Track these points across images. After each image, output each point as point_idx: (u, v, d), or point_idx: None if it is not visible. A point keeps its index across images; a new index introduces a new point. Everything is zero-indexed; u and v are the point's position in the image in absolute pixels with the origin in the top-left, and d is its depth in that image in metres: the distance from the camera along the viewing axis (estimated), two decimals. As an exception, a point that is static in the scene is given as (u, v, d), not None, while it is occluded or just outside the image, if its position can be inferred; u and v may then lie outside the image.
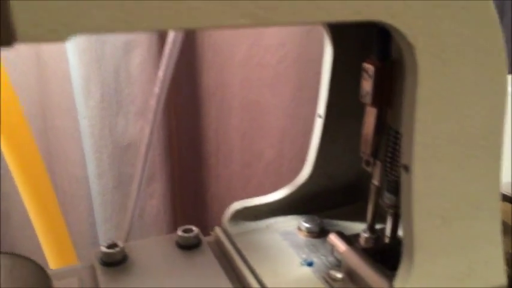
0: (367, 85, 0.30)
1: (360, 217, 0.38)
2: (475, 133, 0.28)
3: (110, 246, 0.34)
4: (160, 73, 0.41)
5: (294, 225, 0.38)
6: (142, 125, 0.86)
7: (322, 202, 0.39)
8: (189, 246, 0.36)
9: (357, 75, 0.31)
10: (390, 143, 0.31)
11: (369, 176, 0.34)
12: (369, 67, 0.30)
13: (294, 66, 0.89)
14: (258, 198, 0.38)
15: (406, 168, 0.27)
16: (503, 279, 0.30)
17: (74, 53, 0.76)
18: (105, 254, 0.34)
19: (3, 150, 0.55)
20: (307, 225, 0.37)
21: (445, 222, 0.28)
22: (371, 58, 0.30)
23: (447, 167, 0.28)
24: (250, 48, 0.87)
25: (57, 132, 0.84)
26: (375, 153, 0.32)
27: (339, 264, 0.33)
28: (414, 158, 0.27)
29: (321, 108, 0.36)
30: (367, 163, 0.32)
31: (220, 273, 0.33)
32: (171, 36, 0.36)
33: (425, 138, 0.27)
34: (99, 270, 0.33)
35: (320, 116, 0.36)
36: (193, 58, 0.88)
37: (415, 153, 0.27)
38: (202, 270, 0.34)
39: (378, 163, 0.32)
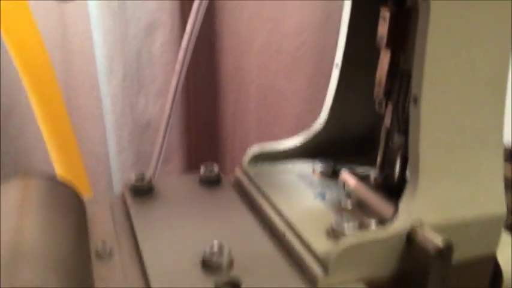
0: (382, 29, 0.33)
1: (371, 166, 0.41)
2: (482, 70, 0.31)
3: (138, 177, 0.38)
4: (189, 27, 0.44)
5: (308, 168, 0.41)
6: (162, 105, 0.90)
7: (336, 151, 0.42)
8: (210, 182, 0.39)
9: (374, 26, 0.35)
10: (402, 86, 0.34)
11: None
12: (385, 12, 0.33)
13: (311, 54, 0.91)
14: (275, 143, 0.42)
15: (415, 100, 0.30)
16: (503, 209, 0.32)
17: (98, 33, 0.80)
18: (134, 183, 0.37)
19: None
20: (321, 166, 0.40)
21: (450, 151, 0.31)
22: (387, 4, 0.33)
23: (453, 100, 0.31)
24: (268, 35, 0.89)
25: (79, 110, 0.88)
26: (387, 96, 0.35)
27: (349, 198, 0.36)
28: (423, 89, 0.30)
29: (338, 57, 0.39)
30: (380, 105, 0.36)
31: (239, 204, 0.37)
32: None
33: (434, 72, 0.30)
34: (129, 198, 0.37)
35: (337, 66, 0.39)
36: (213, 43, 0.91)
37: (424, 85, 0.30)
38: (222, 202, 0.37)
39: (390, 105, 0.35)
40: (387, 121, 0.36)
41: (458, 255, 0.31)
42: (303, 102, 0.96)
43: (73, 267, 0.28)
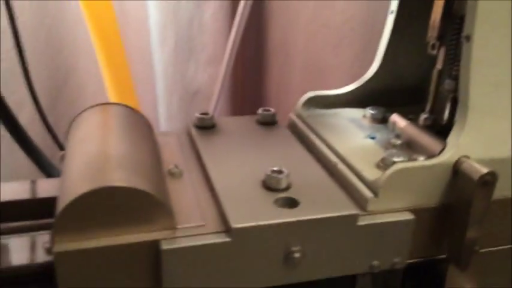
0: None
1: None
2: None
3: (202, 114, 0.42)
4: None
5: (359, 114, 0.44)
6: (210, 73, 0.93)
7: (387, 100, 0.45)
8: (267, 123, 0.43)
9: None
10: (455, 29, 0.37)
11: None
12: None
13: (358, 29, 0.92)
14: (329, 90, 0.45)
15: (468, 38, 0.33)
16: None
17: (152, 1, 0.84)
18: (199, 119, 0.42)
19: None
20: (372, 112, 0.43)
21: (497, 89, 0.34)
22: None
23: (503, 40, 0.33)
24: (316, 9, 0.91)
25: (133, 76, 0.92)
26: (440, 38, 0.38)
27: (399, 138, 0.39)
28: (475, 28, 0.32)
29: (394, 3, 0.42)
30: (433, 47, 0.38)
31: (294, 141, 0.40)
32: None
33: (486, 12, 0.32)
34: (194, 131, 0.41)
35: (392, 12, 0.42)
36: (261, 16, 0.94)
37: (476, 24, 0.32)
38: (278, 138, 0.41)
39: (442, 48, 0.38)
40: (439, 63, 0.38)
41: (498, 192, 0.33)
42: (348, 78, 0.96)
43: (153, 176, 0.32)
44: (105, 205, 0.28)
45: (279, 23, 0.94)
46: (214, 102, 0.82)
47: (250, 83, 1.00)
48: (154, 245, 0.29)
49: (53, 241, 0.28)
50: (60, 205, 0.28)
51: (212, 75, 0.94)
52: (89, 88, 0.87)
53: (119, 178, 0.29)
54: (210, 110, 0.83)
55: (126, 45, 0.89)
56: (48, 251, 0.28)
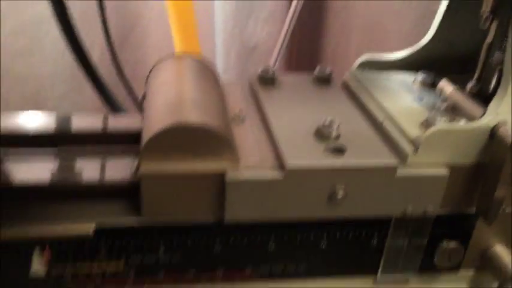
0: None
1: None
2: None
3: (264, 69, 0.48)
4: None
5: (411, 78, 0.48)
6: (268, 30, 0.97)
7: (439, 67, 0.49)
8: (323, 80, 0.48)
9: None
10: (509, 3, 0.40)
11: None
12: None
13: None
14: (383, 54, 0.49)
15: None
16: None
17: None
18: (261, 72, 0.47)
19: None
20: (422, 76, 0.47)
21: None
22: None
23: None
24: (380, -29, 0.92)
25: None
26: (493, 12, 0.41)
27: (445, 102, 0.43)
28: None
29: (453, -24, 0.45)
30: (486, 21, 0.42)
31: (346, 98, 0.45)
32: None
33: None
34: (256, 84, 0.47)
35: (450, -16, 0.45)
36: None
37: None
38: (332, 95, 0.46)
39: (495, 22, 0.41)
40: (489, 37, 0.42)
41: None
42: (406, 44, 0.98)
43: (220, 117, 0.38)
44: (181, 138, 0.35)
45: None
46: (273, 60, 0.86)
47: (306, 45, 1.03)
48: (220, 176, 0.35)
49: (139, 164, 0.35)
50: (145, 137, 0.35)
51: (270, 33, 0.98)
52: (154, 36, 0.93)
53: (193, 116, 0.36)
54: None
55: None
56: (135, 172, 0.35)
